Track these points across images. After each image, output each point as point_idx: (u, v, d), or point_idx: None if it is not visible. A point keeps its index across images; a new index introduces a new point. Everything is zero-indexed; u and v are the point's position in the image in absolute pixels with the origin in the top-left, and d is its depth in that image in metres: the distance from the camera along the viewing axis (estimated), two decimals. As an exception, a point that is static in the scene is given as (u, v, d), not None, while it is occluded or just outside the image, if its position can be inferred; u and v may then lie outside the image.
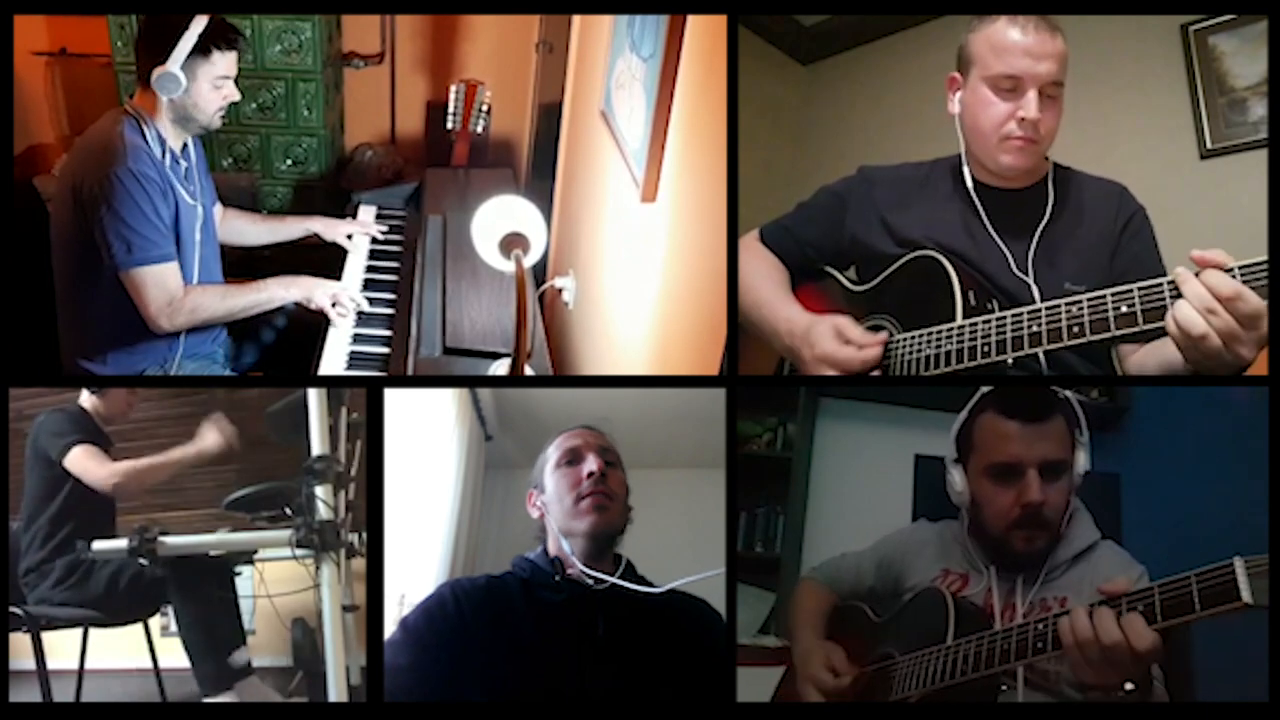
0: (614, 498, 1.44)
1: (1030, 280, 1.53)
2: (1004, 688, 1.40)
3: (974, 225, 1.59)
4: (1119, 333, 1.28)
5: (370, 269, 2.87)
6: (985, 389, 1.54)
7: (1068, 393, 1.51)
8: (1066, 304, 1.32)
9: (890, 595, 1.67)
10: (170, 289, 2.27)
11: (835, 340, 1.54)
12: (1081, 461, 1.50)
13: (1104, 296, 1.29)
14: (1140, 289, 1.25)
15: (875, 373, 1.52)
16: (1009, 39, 1.50)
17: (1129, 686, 1.21)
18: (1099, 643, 1.20)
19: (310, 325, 2.52)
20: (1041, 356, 1.38)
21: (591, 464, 1.44)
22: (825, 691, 1.52)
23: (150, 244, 2.22)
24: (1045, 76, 1.49)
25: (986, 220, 1.58)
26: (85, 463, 2.20)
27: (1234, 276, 1.17)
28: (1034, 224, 1.57)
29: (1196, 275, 1.19)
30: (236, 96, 2.37)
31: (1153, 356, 1.46)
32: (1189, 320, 1.18)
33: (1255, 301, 1.16)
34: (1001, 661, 1.32)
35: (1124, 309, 1.26)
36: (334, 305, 2.48)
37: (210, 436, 2.19)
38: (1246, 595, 1.10)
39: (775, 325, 1.65)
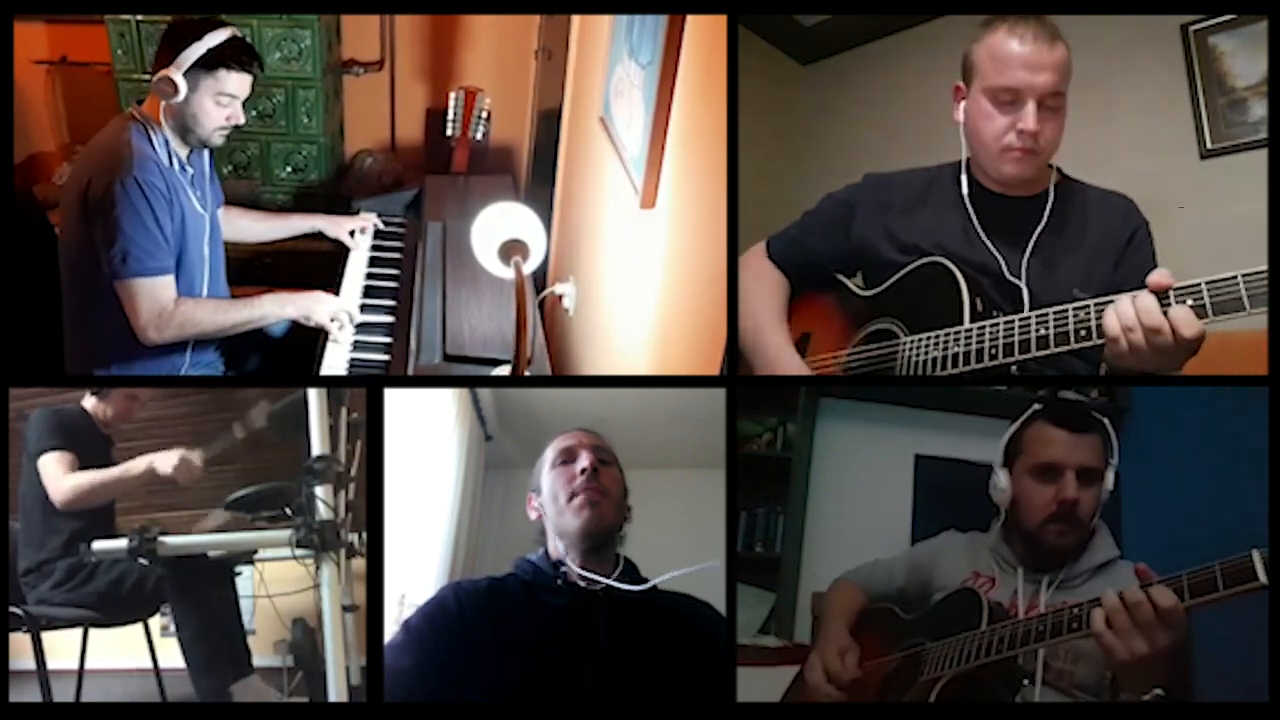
0: (606, 494, 1.43)
1: (1023, 284, 1.55)
2: (1025, 682, 1.47)
3: (971, 230, 1.62)
4: None
5: (370, 276, 2.87)
6: (1037, 406, 1.66)
7: (1107, 420, 1.63)
8: (1074, 309, 1.37)
9: (919, 597, 1.73)
10: (162, 302, 2.23)
11: None
12: (1109, 480, 1.60)
13: (1109, 303, 1.33)
14: None
15: None
16: (1008, 50, 1.50)
17: (1157, 691, 1.27)
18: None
19: (309, 334, 2.49)
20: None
21: (584, 461, 1.44)
22: (830, 674, 1.58)
23: (147, 255, 2.19)
24: (1044, 88, 1.49)
25: (978, 226, 1.61)
26: (51, 470, 2.21)
27: (1168, 299, 1.27)
28: (1030, 231, 1.58)
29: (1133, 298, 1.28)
30: (241, 119, 2.34)
31: None
32: (1108, 327, 1.31)
33: (1168, 340, 1.26)
34: (1037, 639, 1.38)
35: None
36: (334, 322, 2.43)
37: (169, 462, 2.12)
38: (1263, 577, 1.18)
39: (766, 351, 1.70)
